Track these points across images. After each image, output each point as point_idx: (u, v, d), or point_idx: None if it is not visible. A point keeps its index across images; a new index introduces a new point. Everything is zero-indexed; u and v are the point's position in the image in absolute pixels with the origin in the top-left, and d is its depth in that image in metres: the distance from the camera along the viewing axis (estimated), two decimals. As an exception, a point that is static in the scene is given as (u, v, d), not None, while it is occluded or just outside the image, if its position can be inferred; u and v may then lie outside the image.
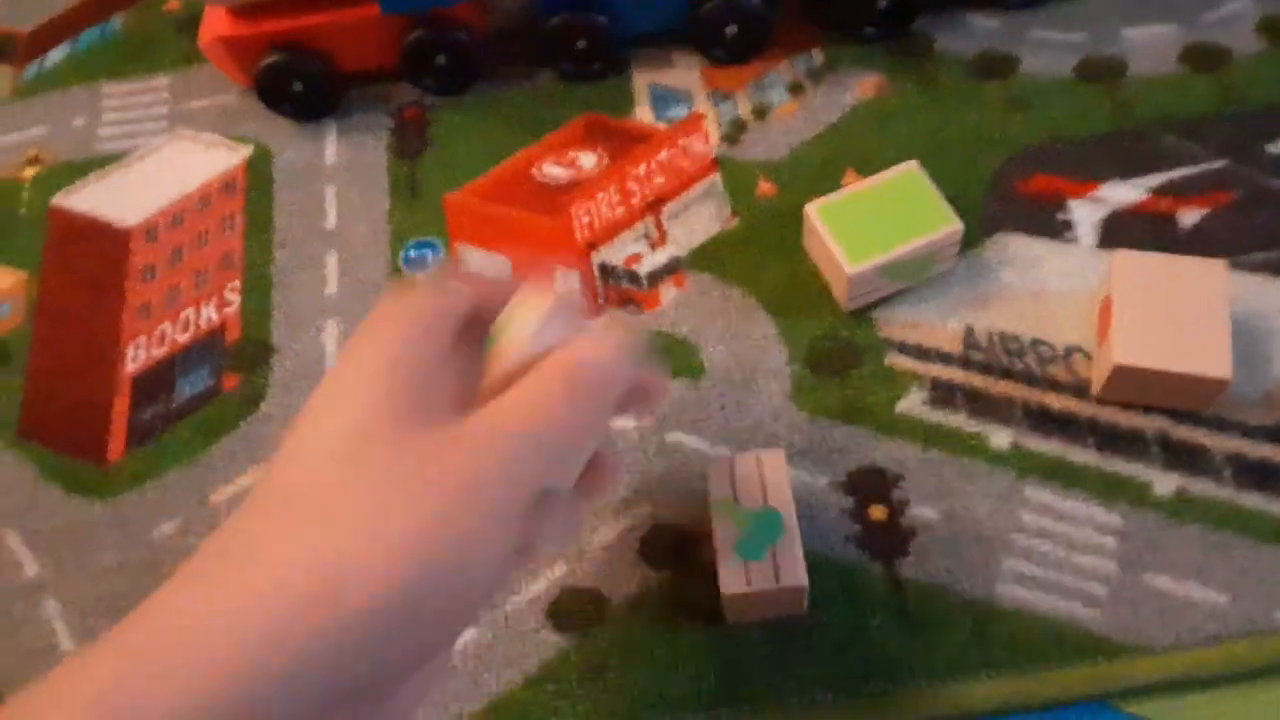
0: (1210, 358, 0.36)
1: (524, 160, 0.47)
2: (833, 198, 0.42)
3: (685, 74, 0.49)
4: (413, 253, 0.45)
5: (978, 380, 0.40)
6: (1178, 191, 0.43)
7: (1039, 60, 0.47)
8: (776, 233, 0.44)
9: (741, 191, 0.45)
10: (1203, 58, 0.45)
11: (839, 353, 0.41)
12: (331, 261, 0.46)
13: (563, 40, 0.48)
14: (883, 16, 0.47)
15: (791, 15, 0.50)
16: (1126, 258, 0.39)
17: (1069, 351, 0.40)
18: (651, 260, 0.44)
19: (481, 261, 0.44)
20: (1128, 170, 0.44)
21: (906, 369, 0.41)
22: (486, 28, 0.50)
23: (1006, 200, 0.44)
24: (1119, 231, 0.42)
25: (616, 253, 0.44)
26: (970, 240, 0.42)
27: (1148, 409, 0.38)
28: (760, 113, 0.47)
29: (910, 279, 0.42)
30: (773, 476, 0.36)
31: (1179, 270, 0.38)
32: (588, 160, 0.47)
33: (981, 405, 0.39)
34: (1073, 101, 0.45)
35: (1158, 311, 0.37)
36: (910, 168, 0.42)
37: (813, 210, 0.42)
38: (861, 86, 0.47)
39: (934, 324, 0.41)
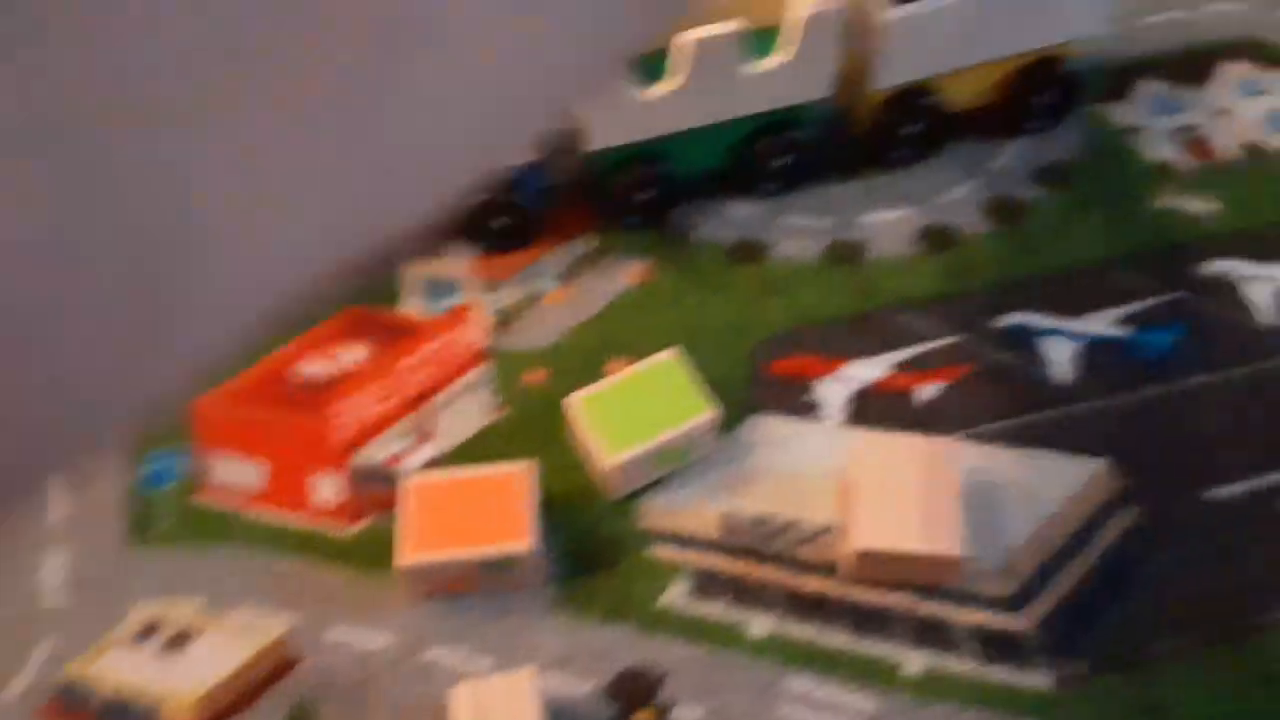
0: (943, 536, 0.38)
1: (282, 359, 0.46)
2: (594, 389, 0.43)
3: (456, 264, 0.50)
4: (155, 467, 0.43)
5: (738, 566, 0.41)
6: (915, 367, 0.45)
7: (790, 245, 0.50)
8: (544, 423, 0.44)
9: (510, 382, 0.46)
10: (935, 239, 0.49)
11: (604, 547, 0.41)
12: (57, 502, 0.44)
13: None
14: (644, 206, 0.49)
15: (562, 202, 0.52)
16: (864, 439, 0.40)
17: (820, 532, 0.41)
18: (415, 459, 0.44)
19: (233, 470, 0.43)
20: (870, 350, 0.46)
21: (670, 559, 0.41)
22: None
23: (762, 382, 0.45)
24: (863, 410, 0.44)
25: (378, 452, 0.44)
26: (729, 422, 0.44)
27: (897, 586, 0.40)
28: (530, 301, 0.48)
29: (671, 465, 0.42)
30: (517, 704, 0.35)
31: (913, 450, 0.40)
32: (351, 355, 0.46)
33: (742, 593, 0.40)
34: (821, 285, 0.48)
35: (894, 492, 0.39)
36: (669, 356, 0.43)
37: (575, 402, 0.42)
38: (628, 273, 0.49)
39: (695, 509, 0.42)
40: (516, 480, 0.39)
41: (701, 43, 0.43)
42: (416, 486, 0.40)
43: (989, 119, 0.52)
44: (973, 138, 0.52)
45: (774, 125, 0.49)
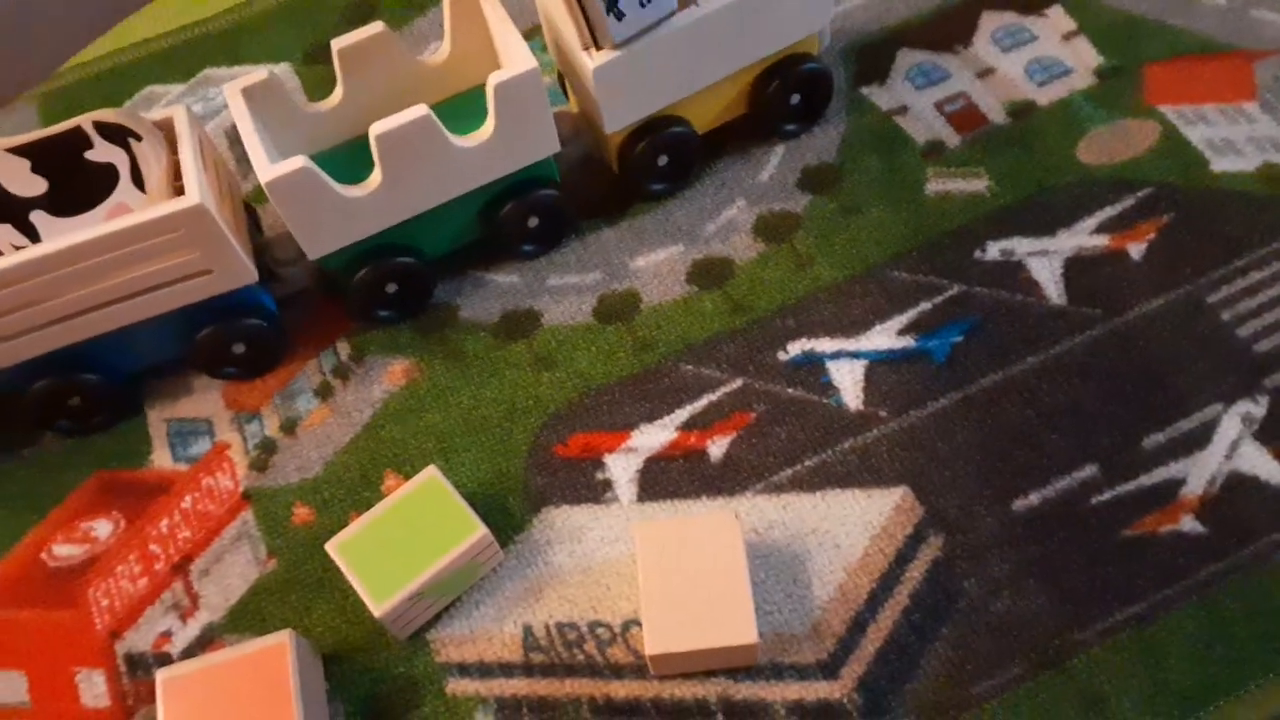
0: (736, 626, 0.36)
1: (31, 546, 0.42)
2: (351, 531, 0.39)
3: (205, 399, 0.45)
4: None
5: (541, 686, 0.38)
6: (703, 423, 0.43)
7: (560, 309, 0.46)
8: (317, 568, 0.41)
9: (277, 525, 0.42)
10: (708, 274, 0.46)
11: (399, 693, 0.38)
12: None
13: (52, 404, 0.43)
14: (395, 298, 0.46)
15: (311, 311, 0.48)
16: (645, 529, 0.38)
17: (625, 627, 0.38)
18: (184, 635, 0.40)
19: (-23, 699, 0.39)
20: (656, 411, 0.43)
21: (469, 693, 0.38)
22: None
23: (548, 469, 0.42)
24: (655, 480, 0.42)
25: (144, 636, 0.40)
26: (517, 524, 0.41)
27: (708, 674, 0.38)
28: (289, 427, 0.44)
29: (455, 591, 0.39)
30: None
31: (696, 532, 0.37)
32: (103, 529, 0.42)
33: (548, 715, 0.37)
34: (596, 348, 0.45)
35: (681, 585, 0.36)
36: (430, 476, 0.40)
37: (333, 549, 0.39)
38: (390, 375, 0.45)
39: (491, 631, 0.39)
40: (275, 656, 0.36)
41: (389, 135, 0.39)
42: (170, 682, 0.36)
43: (745, 130, 0.49)
44: (734, 152, 0.49)
45: (516, 188, 0.45)
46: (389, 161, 0.40)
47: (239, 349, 0.44)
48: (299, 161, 0.39)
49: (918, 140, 0.48)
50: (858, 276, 0.45)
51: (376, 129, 0.39)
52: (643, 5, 0.40)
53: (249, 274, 0.43)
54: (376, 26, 0.43)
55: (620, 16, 0.40)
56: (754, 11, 0.43)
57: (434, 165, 0.41)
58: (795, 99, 0.47)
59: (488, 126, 0.42)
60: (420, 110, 0.39)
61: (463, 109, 0.46)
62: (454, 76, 0.46)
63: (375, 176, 0.41)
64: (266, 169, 0.39)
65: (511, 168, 0.43)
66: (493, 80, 0.40)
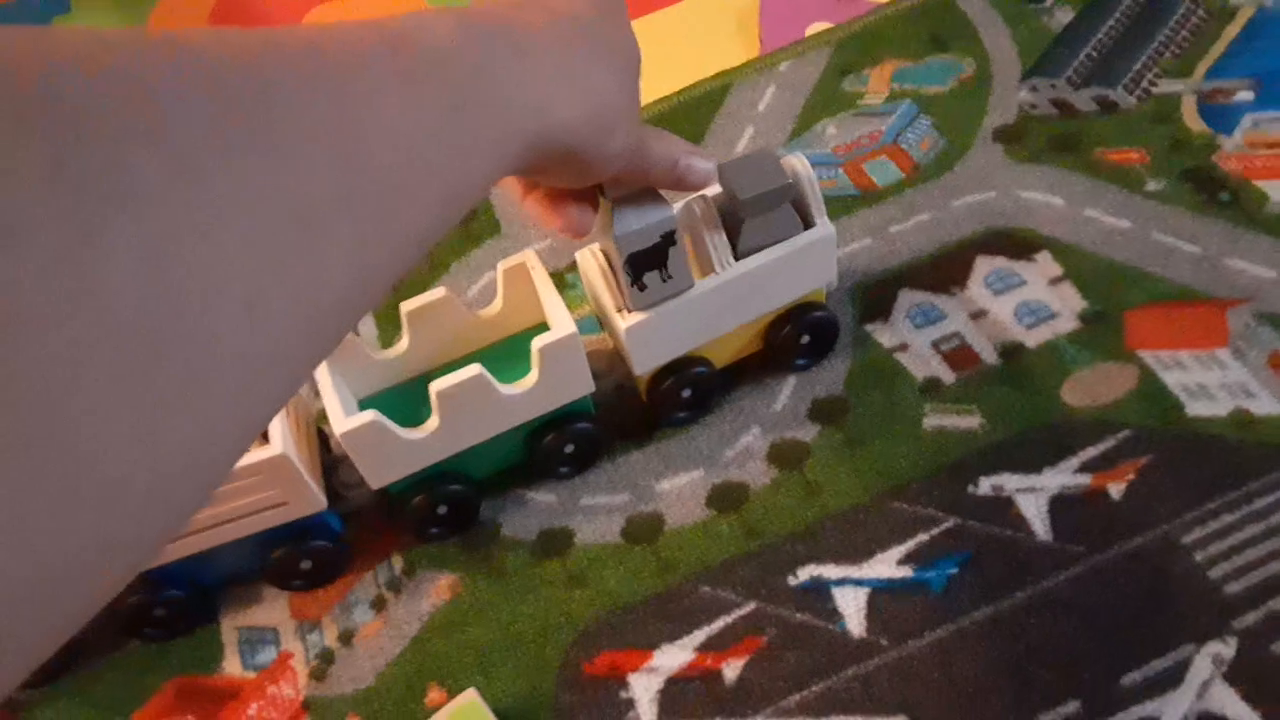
0: None
1: (112, 752, 0.47)
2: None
3: (273, 608, 0.51)
4: None
5: None
6: (718, 645, 0.47)
7: (591, 528, 0.51)
8: (368, 775, 0.45)
9: (332, 734, 0.47)
10: (725, 498, 0.51)
11: None
12: None
13: (140, 614, 0.49)
14: (444, 519, 0.51)
15: (371, 525, 0.53)
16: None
17: None
18: (245, 840, 0.44)
19: None
20: (676, 631, 0.48)
21: None
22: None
23: (575, 687, 0.47)
24: (674, 701, 0.45)
25: (209, 841, 0.44)
26: (547, 741, 0.45)
27: None
28: (346, 638, 0.49)
29: (491, 805, 0.43)
30: None
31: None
32: (178, 734, 0.47)
33: None
34: (624, 567, 0.50)
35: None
36: (470, 699, 0.44)
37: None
38: (437, 589, 0.50)
39: (521, 845, 0.43)
40: None
41: (446, 391, 0.46)
42: None
43: (759, 365, 0.55)
44: (750, 382, 0.55)
45: (556, 420, 0.51)
46: (446, 411, 0.46)
47: (305, 565, 0.50)
48: (369, 416, 0.45)
49: (917, 377, 0.53)
50: (861, 506, 0.50)
51: (436, 387, 0.45)
52: (663, 281, 0.46)
53: (319, 503, 0.48)
54: (439, 291, 0.50)
55: (643, 289, 0.47)
56: (767, 277, 0.49)
57: (484, 409, 0.47)
58: (805, 339, 0.53)
59: (531, 377, 0.48)
60: (475, 370, 0.45)
61: (513, 351, 0.52)
62: (505, 325, 0.53)
63: (433, 421, 0.47)
64: (341, 421, 0.45)
65: (551, 407, 0.49)
66: (536, 344, 0.46)
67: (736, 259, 0.49)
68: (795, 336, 0.53)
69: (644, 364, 0.50)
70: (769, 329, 0.53)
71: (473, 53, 0.29)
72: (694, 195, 0.49)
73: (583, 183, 0.40)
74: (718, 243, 0.48)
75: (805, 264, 0.50)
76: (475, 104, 0.28)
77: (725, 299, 0.49)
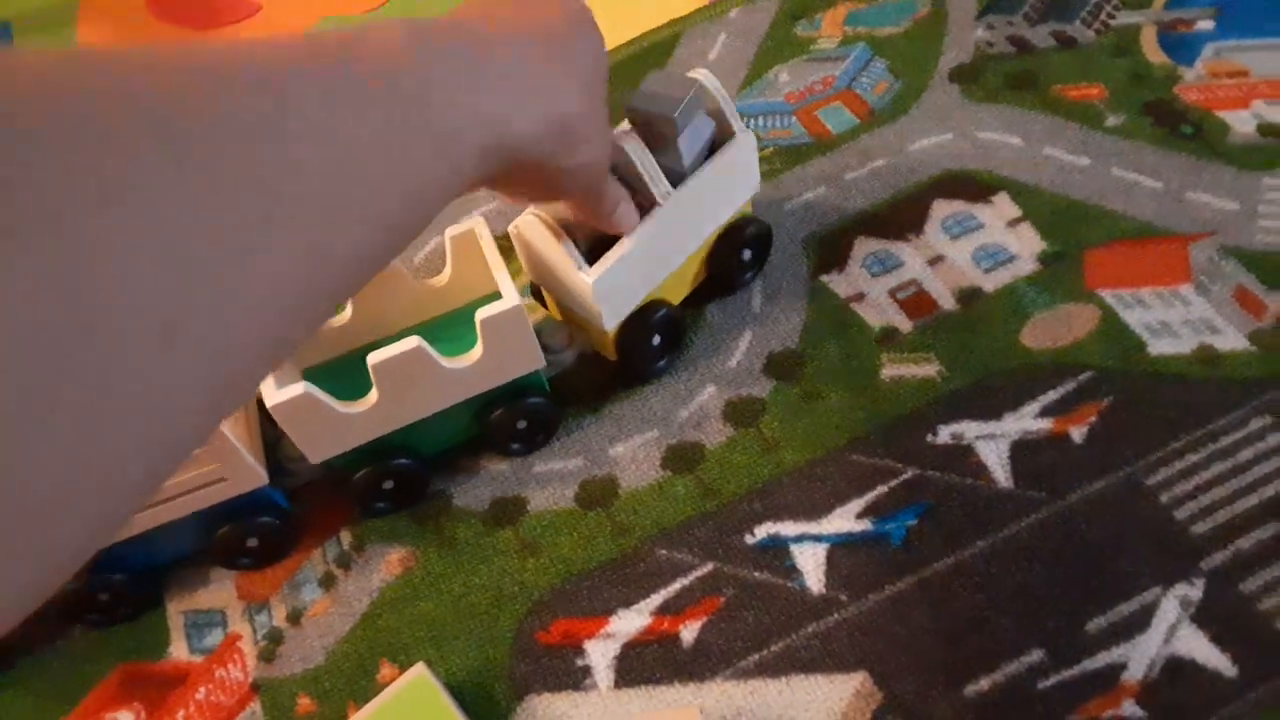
0: (700, 818, 0.38)
1: (58, 743, 0.46)
2: (346, 730, 0.42)
3: (219, 590, 0.49)
4: None
5: None
6: (675, 608, 0.46)
7: (544, 495, 0.50)
8: (319, 755, 0.44)
9: (282, 716, 0.45)
10: (681, 459, 0.50)
11: None
12: None
13: (82, 600, 0.47)
14: (391, 493, 0.50)
15: (319, 501, 0.52)
16: (616, 723, 0.40)
17: (600, 818, 0.41)
18: (194, 826, 0.43)
19: None
20: (632, 595, 0.46)
21: None
22: None
23: (531, 657, 0.45)
24: (631, 666, 0.44)
25: (157, 829, 0.43)
26: (502, 713, 0.44)
27: None
28: (295, 617, 0.48)
29: (444, 780, 0.42)
30: None
31: (664, 726, 0.40)
32: (124, 721, 0.46)
33: None
34: (578, 533, 0.48)
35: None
36: (419, 674, 0.43)
37: (327, 748, 0.42)
38: (388, 564, 0.49)
39: (477, 820, 0.42)
40: None
41: (382, 364, 0.44)
42: None
43: (709, 288, 0.54)
44: (705, 340, 0.53)
45: (507, 394, 0.49)
46: (384, 384, 0.45)
47: (252, 543, 0.48)
48: (300, 388, 0.43)
49: (874, 326, 0.52)
50: (819, 460, 0.48)
51: (373, 359, 0.44)
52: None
53: (260, 478, 0.47)
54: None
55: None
56: (709, 194, 0.49)
57: (426, 384, 0.46)
58: (744, 254, 0.53)
59: (476, 351, 0.46)
60: (413, 342, 0.44)
61: (464, 322, 0.51)
62: (456, 294, 0.51)
63: (372, 396, 0.45)
64: (272, 393, 0.43)
65: (498, 381, 0.48)
66: (479, 316, 0.45)
67: (675, 185, 0.48)
68: (738, 254, 0.53)
69: (613, 316, 0.49)
70: (710, 256, 0.53)
71: (422, 65, 0.28)
72: (623, 130, 0.48)
73: (550, 197, 0.40)
74: (654, 174, 0.47)
75: (735, 176, 0.51)
76: (421, 116, 0.27)
77: (675, 228, 0.49)
